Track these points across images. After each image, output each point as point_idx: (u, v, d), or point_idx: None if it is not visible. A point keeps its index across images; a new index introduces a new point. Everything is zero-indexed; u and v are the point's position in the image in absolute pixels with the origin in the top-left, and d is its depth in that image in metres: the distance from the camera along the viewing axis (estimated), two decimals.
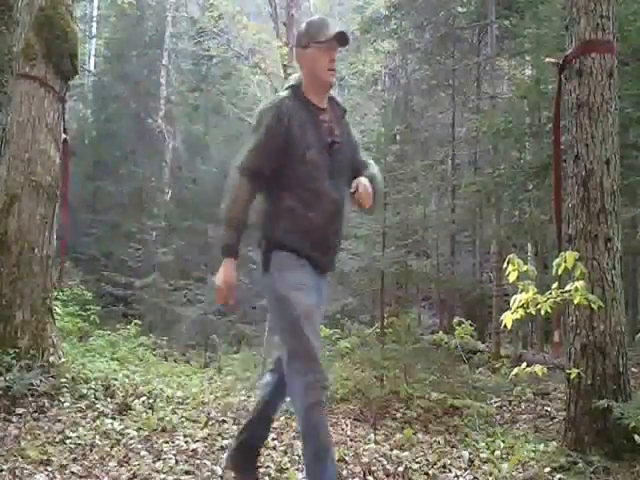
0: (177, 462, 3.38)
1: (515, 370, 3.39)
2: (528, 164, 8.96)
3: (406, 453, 3.84)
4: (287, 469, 3.39)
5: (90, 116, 16.76)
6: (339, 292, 9.90)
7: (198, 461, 3.44)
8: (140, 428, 3.94)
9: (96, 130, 16.35)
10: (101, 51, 18.36)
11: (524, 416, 5.28)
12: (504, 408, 5.62)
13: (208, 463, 3.40)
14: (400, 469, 3.50)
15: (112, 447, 3.45)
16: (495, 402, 5.75)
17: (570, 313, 3.85)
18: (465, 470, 3.63)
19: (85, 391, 4.52)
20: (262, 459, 3.50)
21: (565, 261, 3.10)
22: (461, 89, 12.55)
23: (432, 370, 5.65)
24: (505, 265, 3.14)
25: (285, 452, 3.74)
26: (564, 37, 4.28)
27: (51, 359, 4.47)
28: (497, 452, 3.89)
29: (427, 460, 3.76)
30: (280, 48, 13.82)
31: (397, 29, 13.09)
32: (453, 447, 4.18)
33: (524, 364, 3.41)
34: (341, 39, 2.66)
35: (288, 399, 2.70)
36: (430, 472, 3.53)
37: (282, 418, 4.60)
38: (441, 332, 6.15)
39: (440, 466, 3.67)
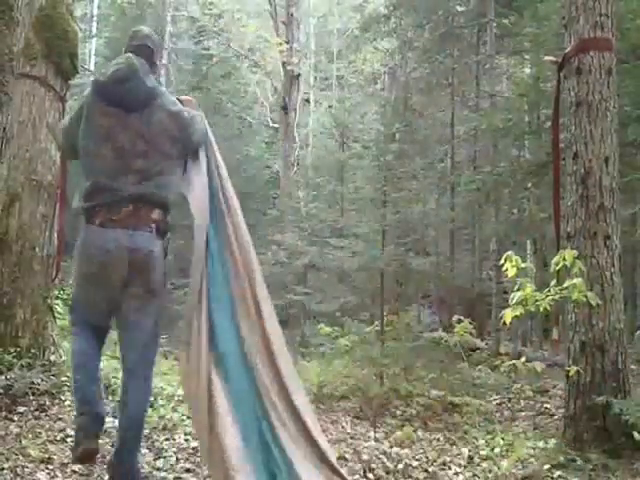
0: (178, 460, 3.39)
1: (513, 361, 3.41)
2: (527, 162, 8.99)
3: (406, 450, 3.85)
4: None
5: None
6: (339, 290, 9.92)
7: (198, 459, 3.43)
8: None
9: None
10: (101, 50, 18.36)
11: (523, 413, 5.29)
12: (503, 405, 5.64)
13: None
14: (400, 466, 3.52)
15: (113, 445, 3.45)
16: (495, 399, 5.77)
17: (569, 311, 3.87)
18: (464, 467, 3.64)
19: None
20: None
21: (564, 259, 3.12)
22: (460, 88, 12.57)
23: (432, 368, 5.67)
24: (502, 262, 3.16)
25: None
26: (563, 35, 4.30)
27: (52, 358, 4.47)
28: (496, 449, 3.90)
29: (427, 457, 3.78)
30: (280, 46, 13.84)
31: (396, 28, 13.11)
32: (453, 444, 4.19)
33: (523, 359, 3.44)
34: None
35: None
36: (430, 469, 3.54)
37: None
38: (441, 330, 6.18)
39: (440, 463, 3.69)
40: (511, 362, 3.44)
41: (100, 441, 2.75)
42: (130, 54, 2.84)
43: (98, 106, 2.74)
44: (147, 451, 3.49)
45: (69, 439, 3.40)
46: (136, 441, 2.78)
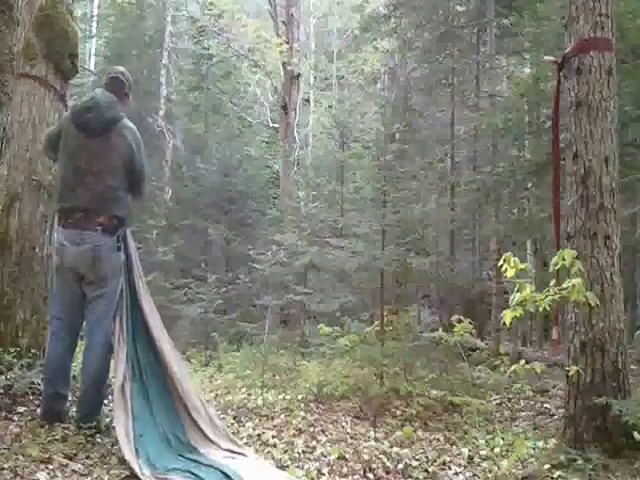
0: None
1: (513, 367, 3.41)
2: (527, 162, 8.98)
3: (406, 450, 3.85)
4: (287, 466, 3.41)
5: None
6: (339, 290, 9.90)
7: None
8: None
9: None
10: (101, 50, 18.36)
11: (523, 413, 5.29)
12: (504, 405, 5.64)
13: None
14: (400, 466, 3.52)
15: (113, 445, 3.45)
16: (495, 399, 5.76)
17: (569, 311, 3.87)
18: (464, 467, 3.65)
19: None
20: (262, 456, 3.52)
21: (563, 259, 3.12)
22: (460, 88, 12.54)
23: (432, 368, 5.67)
24: (501, 263, 3.16)
25: (285, 450, 3.76)
26: (563, 35, 4.30)
27: None
28: (496, 449, 3.91)
29: (427, 457, 3.78)
30: (280, 46, 13.84)
31: (396, 28, 13.08)
32: (453, 444, 4.19)
33: (523, 361, 3.43)
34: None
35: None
36: (430, 469, 3.55)
37: (282, 416, 4.62)
38: (441, 330, 6.16)
39: (440, 463, 3.69)
40: (511, 369, 3.43)
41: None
42: (101, 88, 3.68)
43: (70, 129, 3.56)
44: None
45: (69, 439, 3.40)
46: (93, 391, 3.55)
